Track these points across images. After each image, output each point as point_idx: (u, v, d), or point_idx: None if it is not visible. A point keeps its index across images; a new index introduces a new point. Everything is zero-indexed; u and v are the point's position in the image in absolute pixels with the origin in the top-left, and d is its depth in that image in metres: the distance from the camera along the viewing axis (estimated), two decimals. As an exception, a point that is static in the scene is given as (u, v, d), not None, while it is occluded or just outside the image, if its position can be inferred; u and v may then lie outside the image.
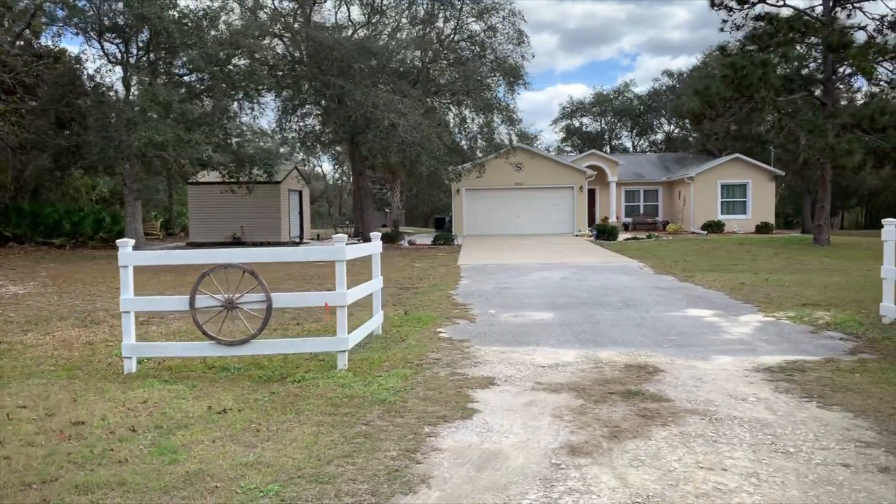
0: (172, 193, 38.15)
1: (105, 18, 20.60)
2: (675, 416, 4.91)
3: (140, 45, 21.85)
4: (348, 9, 27.75)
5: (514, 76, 26.37)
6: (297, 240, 29.78)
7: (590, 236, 29.22)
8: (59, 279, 15.55)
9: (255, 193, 25.55)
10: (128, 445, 4.53)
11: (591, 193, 35.37)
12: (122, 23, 20.53)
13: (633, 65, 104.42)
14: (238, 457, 4.28)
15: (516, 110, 27.41)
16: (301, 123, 27.39)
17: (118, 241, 6.72)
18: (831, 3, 22.91)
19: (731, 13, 23.90)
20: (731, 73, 21.26)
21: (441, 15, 26.96)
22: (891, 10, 23.62)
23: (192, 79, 22.46)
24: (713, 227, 32.03)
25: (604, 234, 27.88)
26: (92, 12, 20.33)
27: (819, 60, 25.43)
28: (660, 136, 60.67)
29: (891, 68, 23.14)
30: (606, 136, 62.18)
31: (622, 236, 29.11)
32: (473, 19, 26.82)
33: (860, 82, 28.54)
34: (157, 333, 8.83)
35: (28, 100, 23.85)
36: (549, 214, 31.86)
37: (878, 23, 23.42)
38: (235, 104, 23.26)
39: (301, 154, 30.57)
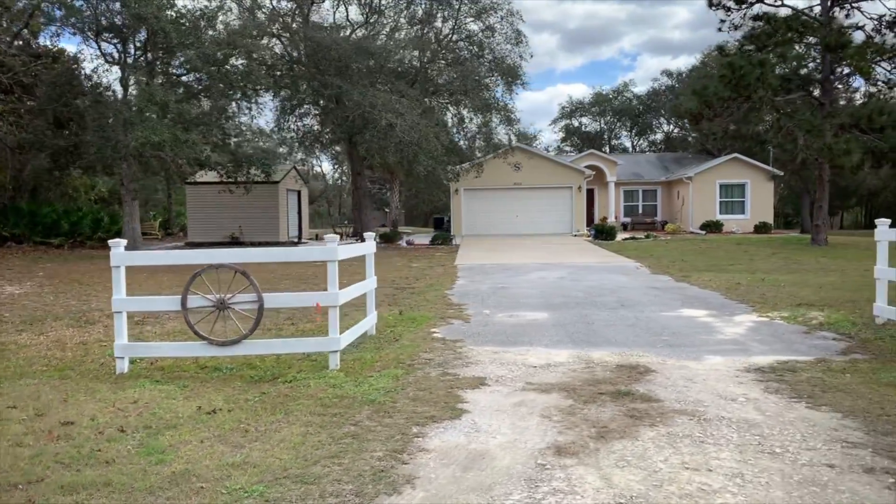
0: (171, 193, 38.15)
1: (102, 18, 20.60)
2: (663, 417, 4.92)
3: (137, 45, 21.85)
4: (346, 9, 27.78)
5: (513, 76, 26.37)
6: (296, 240, 29.78)
7: (588, 236, 29.21)
8: (56, 279, 15.55)
9: (254, 193, 25.54)
10: (115, 446, 4.53)
11: (590, 193, 35.37)
12: (120, 23, 20.53)
13: (633, 65, 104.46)
14: (225, 457, 4.28)
15: (514, 110, 27.47)
16: (299, 123, 27.41)
17: (110, 242, 6.73)
18: (829, 3, 22.90)
19: (729, 13, 23.89)
20: (728, 73, 21.26)
21: (439, 15, 26.97)
22: (889, 9, 23.63)
23: (190, 79, 22.46)
24: (712, 226, 32.02)
25: (602, 234, 27.87)
26: (89, 12, 20.32)
27: (817, 60, 25.41)
28: (659, 136, 60.69)
29: (889, 68, 23.13)
30: (606, 136, 62.18)
31: (620, 236, 29.10)
32: (472, 19, 26.84)
33: (858, 82, 28.54)
34: (152, 333, 8.84)
35: (26, 100, 23.85)
36: (547, 214, 31.86)
37: (876, 22, 23.41)
38: (233, 104, 23.26)
39: (300, 154, 30.59)
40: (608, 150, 55.00)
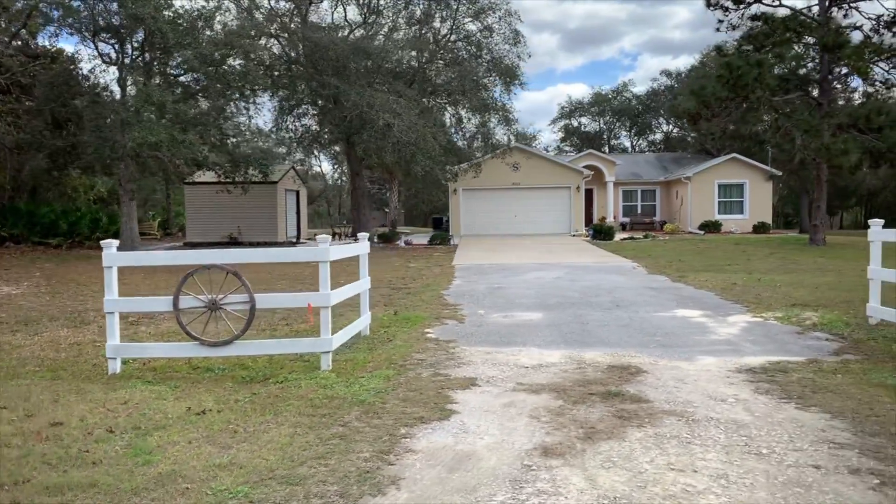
0: (170, 193, 38.16)
1: (100, 19, 20.60)
2: (652, 418, 4.92)
3: (135, 45, 21.85)
4: (344, 9, 27.79)
5: (511, 76, 26.38)
6: (294, 240, 29.80)
7: (586, 236, 29.22)
8: (53, 279, 15.56)
9: (252, 194, 25.55)
10: (103, 447, 4.54)
11: (589, 193, 35.38)
12: (117, 23, 20.53)
13: (633, 64, 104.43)
14: (212, 458, 4.28)
15: (513, 110, 27.48)
16: (297, 123, 27.42)
17: (102, 242, 6.74)
18: (827, 3, 22.89)
19: (727, 13, 23.90)
20: (726, 73, 21.26)
21: (437, 15, 26.97)
22: (887, 9, 23.55)
23: (188, 79, 22.47)
24: (710, 226, 32.02)
25: (600, 234, 27.88)
26: (86, 12, 20.32)
27: (816, 60, 25.41)
28: (659, 136, 60.69)
29: (887, 68, 23.12)
30: (605, 136, 62.19)
31: (619, 236, 29.11)
32: (470, 19, 26.85)
33: (857, 82, 28.51)
34: (146, 334, 8.84)
35: (25, 100, 23.86)
36: (546, 214, 31.87)
37: (874, 22, 23.41)
38: (231, 104, 23.26)
39: (299, 154, 30.59)
40: (608, 151, 55.00)
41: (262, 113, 68.05)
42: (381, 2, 27.47)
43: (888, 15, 23.17)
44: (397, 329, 8.83)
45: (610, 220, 33.96)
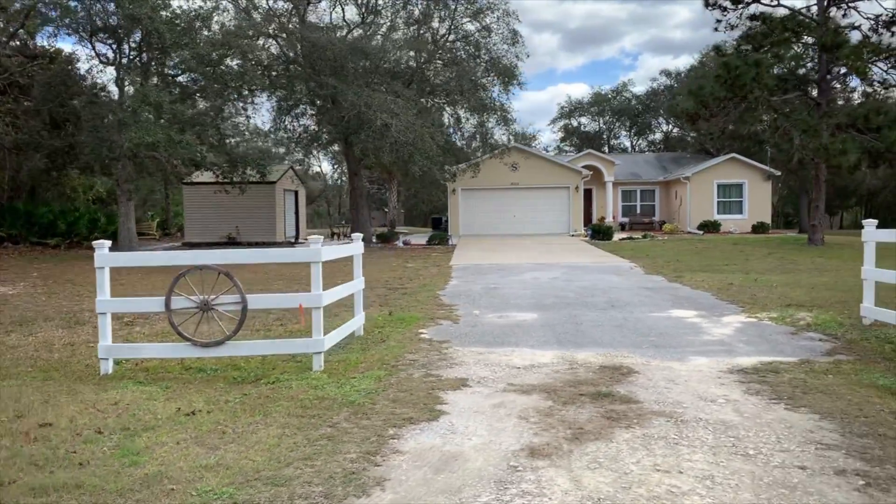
0: (168, 194, 38.19)
1: (97, 19, 20.61)
2: (640, 418, 4.91)
3: (132, 45, 21.86)
4: (342, 9, 27.79)
5: (509, 76, 26.38)
6: (293, 240, 29.80)
7: (585, 236, 29.21)
8: (50, 279, 15.57)
9: (251, 194, 25.56)
10: (91, 447, 4.54)
11: (588, 193, 35.38)
12: (114, 23, 20.54)
13: (634, 64, 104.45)
14: (199, 459, 4.28)
15: (511, 110, 27.47)
16: (295, 123, 27.42)
17: (94, 243, 6.74)
18: (826, 3, 22.87)
19: (726, 13, 23.90)
20: (724, 72, 21.25)
21: (436, 15, 26.96)
22: (886, 9, 23.50)
23: (185, 79, 22.47)
24: (709, 226, 32.01)
25: (599, 234, 27.87)
26: (83, 13, 20.33)
27: (815, 60, 25.38)
28: (658, 136, 60.67)
29: (885, 68, 23.10)
30: (605, 136, 62.18)
31: (618, 236, 29.10)
32: (468, 19, 26.84)
33: (856, 82, 28.47)
34: (141, 334, 8.84)
35: (23, 100, 23.88)
36: (544, 214, 31.87)
37: (873, 22, 23.39)
38: (229, 105, 23.27)
39: (299, 154, 30.59)
40: (607, 150, 55.00)
41: (261, 113, 68.13)
42: (380, 1, 27.49)
43: (887, 15, 23.17)
44: (391, 329, 8.82)
45: (609, 220, 33.96)
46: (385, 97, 22.08)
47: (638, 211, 36.74)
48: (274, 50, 26.40)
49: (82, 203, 32.26)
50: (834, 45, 21.42)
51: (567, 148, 60.45)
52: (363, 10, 27.43)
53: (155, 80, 21.72)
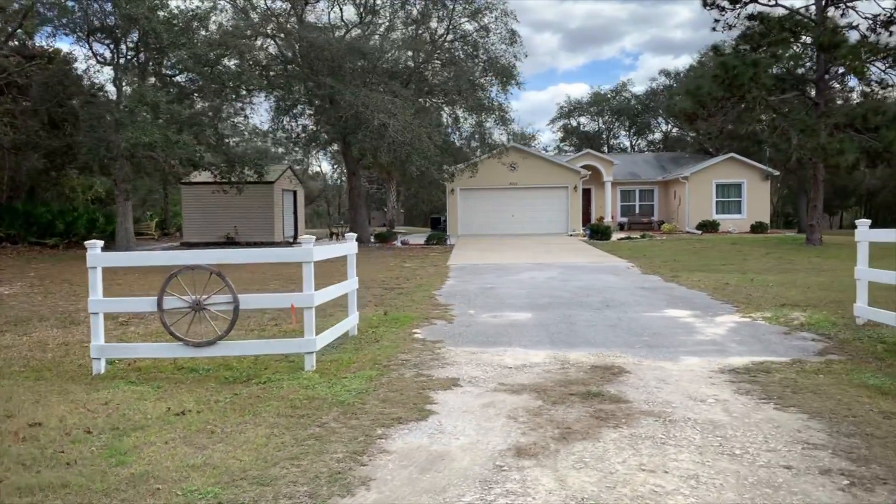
0: (167, 194, 38.20)
1: (94, 19, 20.62)
2: (629, 418, 4.92)
3: (130, 45, 21.88)
4: (340, 9, 27.79)
5: (507, 76, 26.38)
6: (291, 240, 29.81)
7: (583, 236, 29.21)
8: (47, 279, 15.58)
9: (249, 194, 25.58)
10: (79, 447, 4.54)
11: (587, 193, 35.38)
12: (112, 23, 20.56)
13: (635, 64, 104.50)
14: (187, 458, 4.29)
15: (509, 110, 27.48)
16: (294, 123, 27.44)
17: (86, 243, 6.75)
18: (824, 3, 22.86)
19: (724, 13, 23.89)
20: (721, 72, 21.25)
21: (434, 15, 26.97)
22: (884, 9, 23.46)
23: (183, 79, 22.49)
24: (708, 226, 32.00)
25: (597, 233, 27.88)
26: (80, 13, 20.35)
27: (815, 60, 25.36)
28: (658, 136, 60.66)
29: (883, 68, 23.08)
30: (604, 136, 62.17)
31: (616, 236, 29.11)
32: (466, 19, 26.85)
33: (855, 82, 28.44)
34: (135, 334, 8.85)
35: (21, 101, 23.89)
36: (543, 214, 31.88)
37: (871, 22, 23.39)
38: (228, 104, 23.28)
39: (298, 153, 30.62)
40: (607, 150, 55.00)
41: (259, 113, 68.15)
42: (378, 1, 27.49)
43: (885, 14, 23.17)
44: (386, 329, 8.83)
45: (608, 219, 33.96)
46: (383, 97, 22.09)
47: (637, 211, 36.73)
48: (272, 50, 26.42)
49: (81, 203, 32.29)
50: (831, 45, 21.41)
51: (567, 148, 60.45)
52: (361, 10, 27.44)
53: (152, 80, 21.73)
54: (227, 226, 27.99)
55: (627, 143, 62.02)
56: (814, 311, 9.47)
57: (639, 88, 69.20)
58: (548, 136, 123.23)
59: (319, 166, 59.50)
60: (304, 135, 27.65)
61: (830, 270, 15.44)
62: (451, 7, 26.27)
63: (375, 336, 8.39)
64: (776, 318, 9.01)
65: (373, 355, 7.21)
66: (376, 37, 26.60)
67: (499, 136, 28.50)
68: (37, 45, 25.28)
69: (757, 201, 33.08)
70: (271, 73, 25.29)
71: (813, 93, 24.03)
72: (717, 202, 33.11)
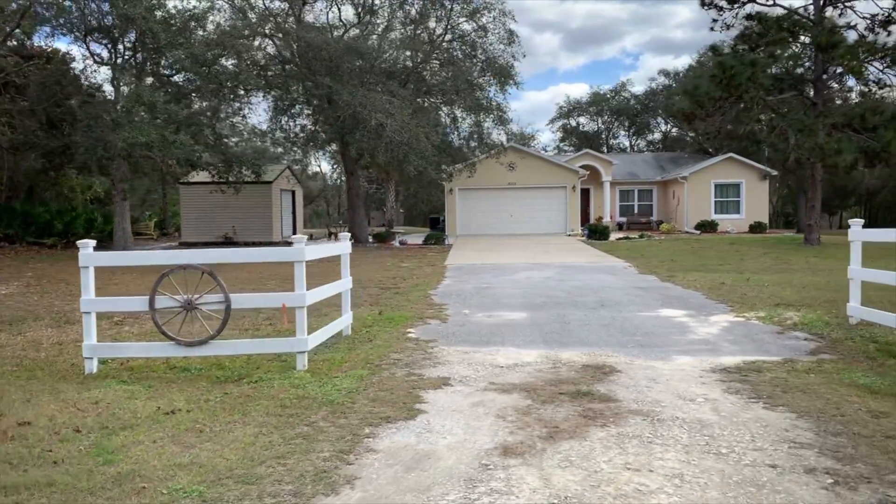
0: (166, 193, 38.22)
1: (91, 19, 20.64)
2: (617, 417, 4.92)
3: (127, 45, 21.89)
4: (339, 9, 27.80)
5: (505, 76, 26.39)
6: (289, 240, 29.82)
7: (582, 236, 29.22)
8: (44, 279, 15.59)
9: (247, 194, 25.60)
10: (67, 446, 4.55)
11: (586, 193, 35.39)
12: (109, 23, 20.57)
13: (635, 64, 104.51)
14: (174, 457, 4.30)
15: (507, 110, 27.49)
16: (292, 123, 27.45)
17: (78, 243, 6.75)
18: (822, 3, 22.86)
19: (722, 12, 23.88)
20: (719, 72, 21.24)
21: (432, 15, 26.98)
22: (882, 9, 23.44)
23: (181, 79, 22.50)
24: (706, 226, 32.00)
25: (595, 233, 27.89)
26: (77, 13, 20.36)
27: (813, 60, 25.36)
28: (657, 136, 60.66)
29: (881, 67, 23.08)
30: (604, 136, 62.17)
31: (614, 236, 29.11)
32: (464, 19, 26.85)
33: (853, 81, 28.43)
34: (130, 333, 8.86)
35: (20, 100, 23.91)
36: (541, 214, 31.89)
37: (869, 21, 23.38)
38: (226, 104, 23.29)
39: (297, 153, 30.63)
40: (606, 150, 55.00)
41: (258, 113, 68.15)
42: (377, 1, 27.51)
43: (883, 14, 23.15)
44: (379, 329, 8.83)
45: (607, 219, 33.97)
46: (380, 97, 22.10)
47: (635, 211, 36.73)
48: (270, 50, 26.43)
49: (80, 203, 32.31)
50: (829, 45, 21.40)
51: (566, 148, 60.45)
52: (360, 9, 27.45)
53: (150, 79, 21.74)
54: (225, 226, 28.01)
55: (627, 144, 62.05)
56: (808, 310, 9.47)
57: (638, 88, 69.19)
58: (547, 137, 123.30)
59: (319, 166, 59.49)
60: (302, 134, 27.66)
61: (827, 270, 15.44)
62: (450, 7, 26.29)
63: (369, 335, 8.39)
64: (770, 318, 9.01)
65: (365, 355, 7.21)
66: (374, 37, 26.61)
67: (497, 136, 28.52)
68: (35, 45, 25.32)
69: (755, 201, 33.09)
70: (269, 73, 25.29)
71: (811, 93, 24.02)
72: (715, 202, 33.11)
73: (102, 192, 34.92)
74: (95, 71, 22.76)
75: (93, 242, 6.83)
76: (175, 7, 21.50)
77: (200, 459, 4.24)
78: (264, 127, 27.91)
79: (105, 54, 22.01)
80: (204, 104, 23.21)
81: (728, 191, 33.16)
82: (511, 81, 26.55)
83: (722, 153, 35.64)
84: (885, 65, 22.89)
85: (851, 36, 22.54)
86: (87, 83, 22.71)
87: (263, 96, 25.68)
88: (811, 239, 23.75)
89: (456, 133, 28.86)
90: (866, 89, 24.61)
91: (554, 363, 6.71)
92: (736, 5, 23.58)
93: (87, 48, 21.60)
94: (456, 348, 7.54)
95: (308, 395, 5.63)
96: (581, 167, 33.33)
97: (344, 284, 8.36)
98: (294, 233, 30.91)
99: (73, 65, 23.58)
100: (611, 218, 34.85)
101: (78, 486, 3.87)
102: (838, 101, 30.48)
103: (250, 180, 24.14)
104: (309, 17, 27.78)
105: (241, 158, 22.53)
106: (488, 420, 4.93)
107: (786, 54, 26.33)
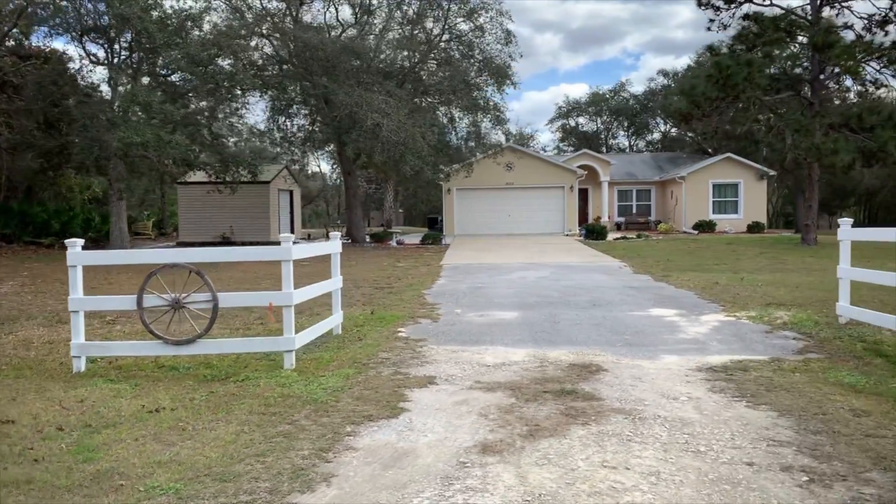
0: (164, 193, 38.24)
1: (87, 19, 20.67)
2: (599, 416, 4.93)
3: (123, 45, 21.92)
4: (336, 9, 27.81)
5: (502, 76, 26.39)
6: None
7: (579, 236, 29.22)
8: (39, 279, 15.62)
9: (245, 193, 25.62)
10: (49, 444, 4.56)
11: (585, 193, 35.39)
12: (105, 23, 20.60)
13: (636, 64, 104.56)
14: (154, 455, 4.31)
15: (505, 110, 27.50)
16: (289, 123, 27.47)
17: (66, 242, 6.76)
18: (819, 3, 22.86)
19: (719, 12, 23.89)
20: (715, 72, 21.24)
21: (430, 15, 26.99)
22: (878, 8, 23.45)
23: (177, 79, 22.53)
24: (704, 226, 32.00)
25: (593, 233, 27.88)
26: (73, 13, 20.39)
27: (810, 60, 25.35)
28: (656, 136, 60.65)
29: (877, 67, 23.08)
30: (603, 136, 62.15)
31: (612, 236, 29.11)
32: (462, 19, 26.86)
33: (850, 81, 28.41)
34: (121, 332, 8.88)
35: (17, 100, 23.94)
36: (539, 214, 31.90)
37: (866, 21, 23.38)
38: (223, 104, 23.31)
39: (295, 153, 30.64)
40: (605, 150, 54.99)
41: (255, 112, 68.20)
42: (374, 1, 27.52)
43: (880, 14, 23.15)
44: (370, 328, 8.85)
45: (605, 219, 33.97)
46: (377, 97, 22.11)
47: (634, 211, 36.73)
48: (267, 50, 26.44)
49: (78, 203, 32.32)
50: (826, 45, 21.39)
51: (566, 148, 60.42)
52: (357, 10, 27.46)
53: (146, 79, 21.76)
54: (223, 225, 28.03)
55: (626, 144, 62.02)
56: (798, 310, 9.48)
57: (638, 88, 69.16)
58: (547, 137, 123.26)
59: (318, 166, 59.51)
60: (299, 134, 27.67)
61: (821, 270, 15.43)
62: (447, 7, 26.30)
63: (359, 335, 8.40)
64: (760, 318, 9.02)
65: (353, 354, 7.22)
66: (371, 37, 26.62)
67: (495, 135, 28.53)
68: (32, 45, 25.34)
69: (753, 201, 33.08)
70: (266, 73, 25.31)
71: (808, 92, 24.02)
72: (713, 202, 33.11)
73: (101, 192, 34.91)
74: (92, 71, 22.81)
75: (81, 241, 6.85)
76: (171, 7, 21.55)
77: (180, 457, 4.25)
78: (262, 127, 27.95)
79: (101, 54, 22.08)
80: (201, 104, 23.22)
81: (726, 191, 33.16)
82: (508, 81, 26.56)
83: (721, 153, 35.63)
84: (882, 65, 22.89)
85: (849, 36, 22.57)
86: (83, 83, 22.74)
87: (260, 96, 25.72)
88: (808, 239, 23.75)
89: (454, 133, 28.88)
90: (863, 89, 24.62)
91: (541, 362, 6.72)
92: (733, 5, 23.59)
93: (84, 48, 21.64)
94: (445, 347, 7.55)
95: (293, 394, 5.64)
96: (579, 167, 33.34)
97: (334, 283, 8.37)
98: (291, 232, 30.93)
99: (70, 65, 23.61)
100: (609, 218, 34.85)
101: (56, 483, 3.88)
102: (836, 101, 30.47)
103: (247, 180, 24.15)
104: (306, 18, 27.84)
105: (238, 158, 22.55)
106: (470, 418, 4.94)
107: (783, 54, 26.34)
